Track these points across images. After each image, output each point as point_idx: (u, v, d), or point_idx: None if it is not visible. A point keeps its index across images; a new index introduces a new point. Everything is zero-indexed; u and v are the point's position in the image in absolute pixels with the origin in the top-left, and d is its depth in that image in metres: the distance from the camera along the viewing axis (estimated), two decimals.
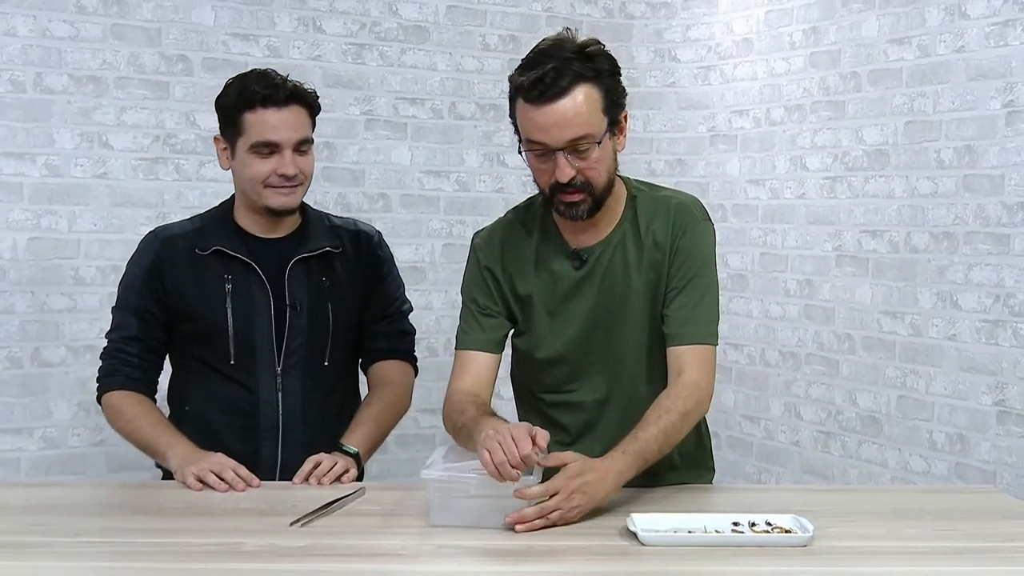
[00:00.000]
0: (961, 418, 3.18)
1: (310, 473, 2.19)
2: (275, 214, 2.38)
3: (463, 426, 2.07)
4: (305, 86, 2.40)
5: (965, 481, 3.15)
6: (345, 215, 3.69)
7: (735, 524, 1.84)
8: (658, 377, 2.11)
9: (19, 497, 2.13)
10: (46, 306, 3.30)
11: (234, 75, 2.44)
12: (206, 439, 2.29)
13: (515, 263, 2.19)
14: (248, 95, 2.32)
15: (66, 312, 3.31)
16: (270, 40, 3.51)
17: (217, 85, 2.47)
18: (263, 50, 3.50)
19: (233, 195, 2.46)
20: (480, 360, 2.20)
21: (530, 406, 2.28)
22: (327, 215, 2.55)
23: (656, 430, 1.98)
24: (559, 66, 1.96)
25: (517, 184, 3.87)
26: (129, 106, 3.34)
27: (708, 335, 2.12)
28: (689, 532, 1.81)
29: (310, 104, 2.38)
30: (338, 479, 2.20)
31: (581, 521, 1.87)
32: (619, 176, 2.15)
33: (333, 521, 1.91)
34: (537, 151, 2.00)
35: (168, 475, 2.34)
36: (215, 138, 2.41)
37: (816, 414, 3.65)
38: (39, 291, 3.29)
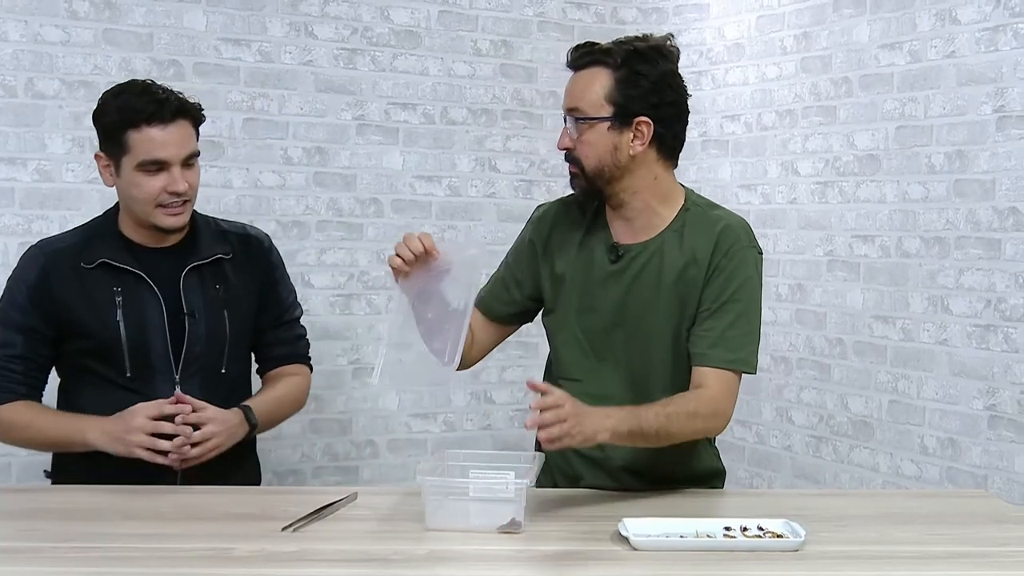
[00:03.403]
0: (952, 423, 3.19)
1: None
2: (165, 232, 2.36)
3: None
4: (188, 98, 2.37)
5: (956, 485, 3.15)
6: (338, 220, 3.69)
7: (727, 529, 1.84)
8: (681, 381, 2.13)
9: (9, 502, 2.12)
10: None
11: (108, 89, 2.39)
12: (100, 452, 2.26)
13: (560, 242, 2.27)
14: (132, 112, 2.27)
15: None
16: (261, 45, 3.51)
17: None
18: (254, 55, 3.50)
19: (117, 204, 2.43)
20: (475, 315, 2.28)
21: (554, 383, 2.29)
22: (214, 219, 2.53)
23: (660, 412, 2.01)
24: (592, 45, 2.16)
25: (509, 189, 3.88)
26: None
27: (734, 361, 2.11)
28: (681, 537, 1.81)
29: (195, 117, 2.35)
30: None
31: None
32: (684, 189, 2.24)
33: (325, 526, 1.91)
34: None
35: (60, 479, 2.38)
36: (96, 155, 2.37)
37: (808, 419, 3.65)
38: None
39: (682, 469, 2.23)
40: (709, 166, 4.00)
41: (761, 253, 2.20)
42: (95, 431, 2.24)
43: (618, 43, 2.15)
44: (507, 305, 2.33)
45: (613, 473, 2.20)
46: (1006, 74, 3.04)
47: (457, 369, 2.02)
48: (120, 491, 2.14)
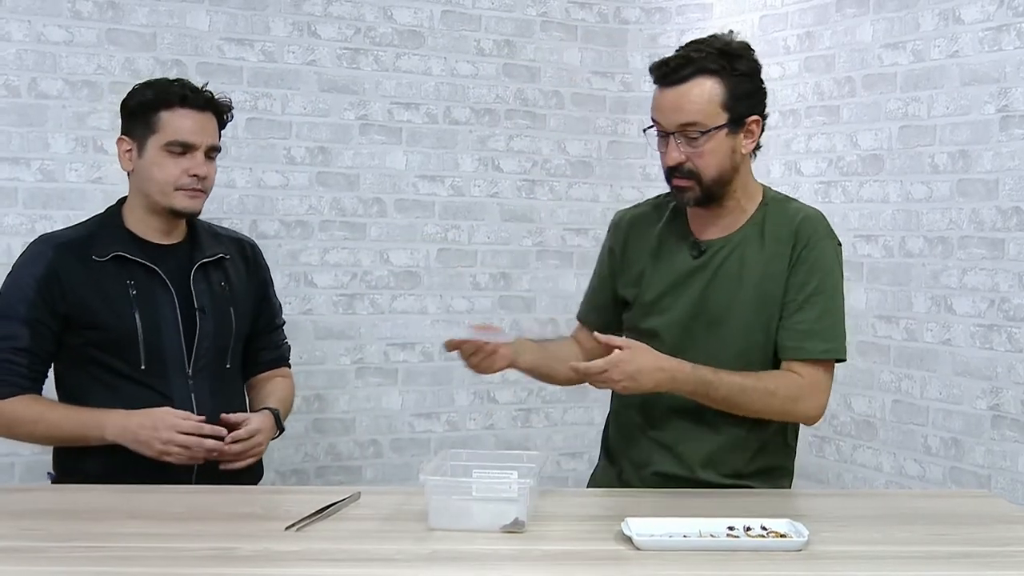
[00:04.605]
0: (956, 422, 3.19)
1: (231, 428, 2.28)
2: (179, 216, 2.40)
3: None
4: (223, 98, 2.45)
5: (960, 485, 3.15)
6: (341, 220, 3.70)
7: (730, 528, 1.84)
8: None
9: (13, 502, 2.12)
10: None
11: (141, 82, 2.47)
12: (111, 451, 2.28)
13: (637, 243, 2.30)
14: (168, 94, 2.35)
15: None
16: (265, 45, 3.51)
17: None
18: (258, 55, 3.50)
19: (119, 201, 2.47)
20: (579, 331, 2.42)
21: None
22: (206, 223, 2.56)
23: (737, 381, 2.10)
24: (689, 55, 2.10)
25: (512, 188, 3.87)
26: None
27: (827, 350, 2.18)
28: (684, 537, 1.81)
29: (222, 116, 2.43)
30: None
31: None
32: (760, 184, 2.25)
33: (328, 526, 1.91)
34: (657, 132, 2.16)
35: (61, 479, 2.39)
36: (118, 139, 2.41)
37: None
38: None
39: (750, 463, 2.25)
40: None
41: (840, 244, 2.26)
42: (115, 427, 2.24)
43: (706, 48, 2.12)
44: (596, 312, 2.39)
45: (683, 461, 2.23)
46: (1010, 74, 3.03)
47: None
48: (123, 490, 2.14)
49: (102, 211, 2.51)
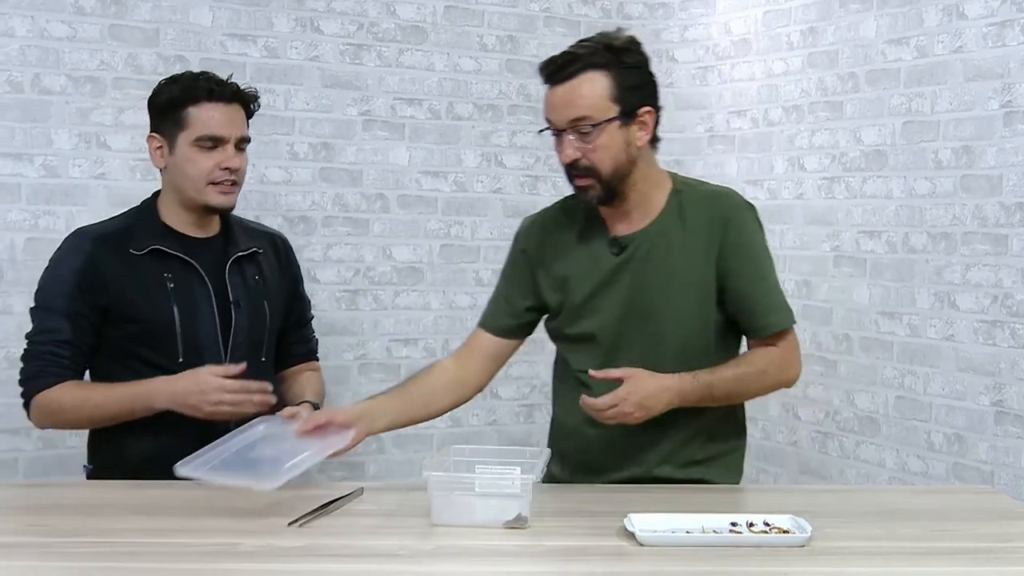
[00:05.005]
0: (959, 419, 3.18)
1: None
2: (213, 213, 2.42)
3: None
4: (250, 89, 2.46)
5: (963, 482, 3.15)
6: (344, 216, 3.71)
7: (733, 524, 1.84)
8: (698, 366, 2.16)
9: (16, 497, 2.13)
10: None
11: (166, 77, 2.48)
12: (149, 438, 2.32)
13: (554, 246, 2.29)
14: (193, 90, 2.36)
15: None
16: (267, 40, 3.51)
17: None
18: (260, 50, 3.50)
19: (154, 195, 2.48)
20: (481, 337, 2.34)
21: (568, 379, 2.31)
22: (238, 218, 2.58)
23: (732, 373, 2.15)
24: (574, 52, 2.11)
25: (515, 184, 3.87)
26: (127, 106, 3.34)
27: (787, 318, 2.22)
28: (687, 532, 1.81)
29: (249, 107, 2.44)
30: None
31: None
32: (667, 172, 2.27)
33: (331, 521, 1.91)
34: (549, 130, 2.18)
35: (98, 475, 2.40)
36: (148, 137, 2.43)
37: (814, 414, 3.65)
38: None
39: (701, 450, 2.26)
40: (715, 162, 3.99)
41: (755, 208, 2.27)
42: (162, 394, 2.26)
43: (592, 44, 2.13)
44: (511, 318, 2.34)
45: (639, 462, 2.23)
46: (1013, 69, 3.03)
47: (477, 392, 2.33)
48: (127, 486, 2.15)
49: (137, 204, 2.52)
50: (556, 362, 2.39)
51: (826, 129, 3.59)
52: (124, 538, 1.81)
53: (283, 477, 1.91)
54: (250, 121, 2.47)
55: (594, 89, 2.10)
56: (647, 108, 2.15)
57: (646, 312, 2.20)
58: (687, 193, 2.23)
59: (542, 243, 2.30)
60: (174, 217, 2.43)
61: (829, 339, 3.58)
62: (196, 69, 3.37)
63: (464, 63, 3.80)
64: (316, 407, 2.45)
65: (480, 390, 2.35)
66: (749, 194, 3.84)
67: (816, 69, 3.62)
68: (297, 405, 2.42)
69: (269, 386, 2.29)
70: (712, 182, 2.34)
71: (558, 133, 2.15)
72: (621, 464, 2.23)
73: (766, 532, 1.82)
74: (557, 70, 2.12)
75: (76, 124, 3.28)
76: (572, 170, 2.15)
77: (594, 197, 2.16)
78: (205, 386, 2.23)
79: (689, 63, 4.08)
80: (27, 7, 3.20)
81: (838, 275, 3.55)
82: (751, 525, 1.84)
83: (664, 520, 1.83)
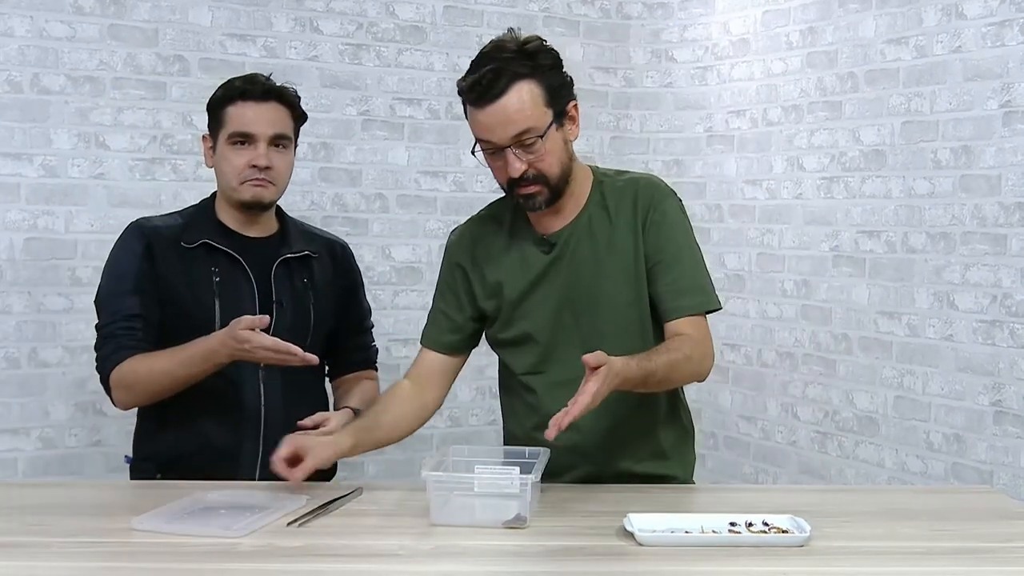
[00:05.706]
0: (958, 418, 3.19)
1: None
2: (248, 208, 2.44)
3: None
4: (289, 88, 2.48)
5: (962, 481, 3.15)
6: (343, 215, 3.71)
7: (732, 524, 1.84)
8: (636, 353, 2.11)
9: (16, 497, 2.12)
10: (43, 306, 3.29)
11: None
12: (188, 431, 2.35)
13: (485, 254, 2.27)
14: (230, 90, 2.43)
15: (63, 312, 3.31)
16: (267, 40, 3.51)
17: (214, 85, 2.48)
18: (260, 50, 3.50)
19: (214, 193, 2.52)
20: (428, 357, 2.31)
21: (512, 388, 2.31)
22: (300, 222, 2.62)
23: (665, 359, 2.05)
24: (497, 67, 2.06)
25: None
26: (126, 106, 3.34)
27: (702, 303, 2.17)
28: (686, 532, 1.81)
29: (290, 103, 2.46)
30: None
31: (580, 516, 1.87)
32: (586, 164, 2.25)
33: (330, 521, 1.91)
34: (488, 150, 2.10)
35: (136, 466, 2.43)
36: (203, 136, 2.49)
37: (813, 414, 3.65)
38: (36, 291, 3.28)
39: (661, 442, 2.26)
40: (714, 161, 4.00)
41: (680, 199, 2.25)
42: (222, 348, 2.25)
43: (506, 55, 2.07)
44: (454, 333, 2.31)
45: (597, 460, 2.22)
46: (1012, 69, 3.03)
47: (437, 409, 2.30)
48: (127, 486, 2.15)
49: (196, 203, 2.55)
50: (499, 373, 2.37)
51: (825, 129, 3.59)
52: (123, 538, 1.81)
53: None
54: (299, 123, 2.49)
55: (529, 100, 2.06)
56: (572, 102, 2.15)
57: (581, 306, 2.19)
58: (608, 183, 2.23)
59: (474, 253, 2.28)
60: (226, 215, 2.47)
61: (828, 339, 3.59)
62: (195, 69, 3.41)
63: (463, 63, 3.73)
64: (356, 412, 2.43)
65: (440, 406, 2.33)
66: (748, 194, 3.86)
67: (815, 69, 3.62)
68: (339, 410, 2.44)
69: (299, 350, 2.26)
70: (632, 171, 2.31)
71: (497, 150, 2.09)
72: (578, 463, 2.21)
73: (765, 532, 1.82)
74: (485, 90, 2.05)
75: (75, 124, 3.28)
76: (519, 182, 2.10)
77: (542, 202, 2.14)
78: (246, 343, 2.22)
79: (688, 63, 4.08)
80: (26, 7, 3.21)
81: (837, 275, 3.56)
82: (750, 525, 1.84)
83: (663, 520, 1.83)
